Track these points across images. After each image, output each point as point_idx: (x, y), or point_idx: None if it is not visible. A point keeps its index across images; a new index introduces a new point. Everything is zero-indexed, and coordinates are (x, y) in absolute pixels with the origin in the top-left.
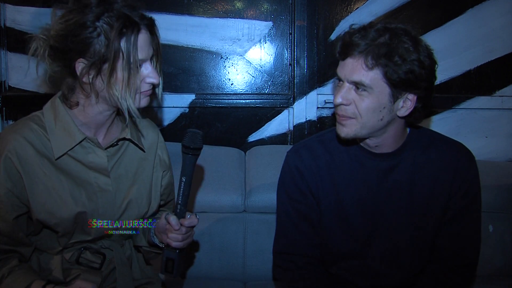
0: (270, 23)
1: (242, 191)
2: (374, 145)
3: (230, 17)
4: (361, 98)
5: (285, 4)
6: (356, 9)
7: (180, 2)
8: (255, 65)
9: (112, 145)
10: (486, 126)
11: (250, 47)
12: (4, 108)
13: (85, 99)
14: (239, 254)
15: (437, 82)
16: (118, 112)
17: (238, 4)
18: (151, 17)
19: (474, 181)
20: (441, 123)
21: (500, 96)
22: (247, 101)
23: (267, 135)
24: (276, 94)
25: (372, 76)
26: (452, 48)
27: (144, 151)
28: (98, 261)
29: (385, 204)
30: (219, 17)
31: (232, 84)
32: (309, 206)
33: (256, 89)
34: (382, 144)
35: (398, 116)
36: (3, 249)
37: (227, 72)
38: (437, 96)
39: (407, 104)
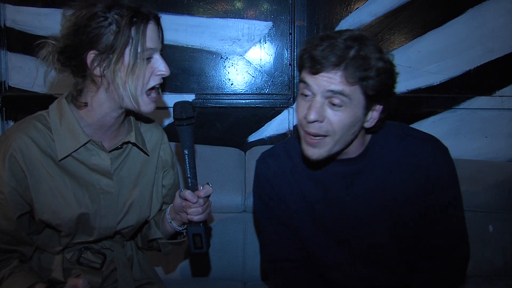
0: (270, 23)
1: (242, 191)
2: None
3: (230, 17)
4: (336, 114)
5: (285, 4)
6: (356, 9)
7: (180, 2)
8: (255, 65)
9: (116, 148)
10: (486, 126)
11: (250, 47)
12: (4, 108)
13: (93, 97)
14: (239, 254)
15: (437, 82)
16: (126, 116)
17: (238, 4)
18: (156, 12)
19: (450, 177)
20: (441, 123)
21: (500, 96)
22: (247, 101)
23: (267, 135)
24: (276, 94)
25: (352, 89)
26: (452, 48)
27: (148, 155)
28: (98, 261)
29: (357, 208)
30: (219, 17)
31: (232, 84)
32: (283, 211)
33: (256, 89)
34: (345, 152)
35: (364, 127)
36: (4, 249)
37: (227, 72)
38: (437, 96)
39: (374, 115)
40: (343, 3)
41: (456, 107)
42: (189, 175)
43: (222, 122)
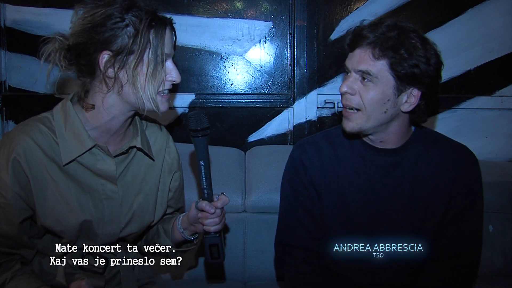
0: (270, 23)
1: (242, 191)
2: (378, 141)
3: (230, 17)
4: (366, 89)
5: (285, 4)
6: (356, 9)
7: (180, 2)
8: (255, 65)
9: (121, 153)
10: (486, 126)
11: (250, 47)
12: (4, 108)
13: (103, 99)
14: (239, 254)
15: None
16: (132, 119)
17: (238, 4)
18: (171, 17)
19: (475, 183)
20: (441, 123)
21: (500, 96)
22: (247, 101)
23: (267, 135)
24: (276, 94)
25: (378, 66)
26: (452, 48)
27: (153, 160)
28: (101, 267)
29: (387, 200)
30: (219, 17)
31: (232, 84)
32: (311, 200)
33: (256, 89)
34: (385, 140)
35: (402, 111)
36: (5, 252)
37: (227, 72)
38: None
39: (411, 99)
40: (343, 3)
41: (456, 107)
42: (205, 186)
43: (222, 122)
